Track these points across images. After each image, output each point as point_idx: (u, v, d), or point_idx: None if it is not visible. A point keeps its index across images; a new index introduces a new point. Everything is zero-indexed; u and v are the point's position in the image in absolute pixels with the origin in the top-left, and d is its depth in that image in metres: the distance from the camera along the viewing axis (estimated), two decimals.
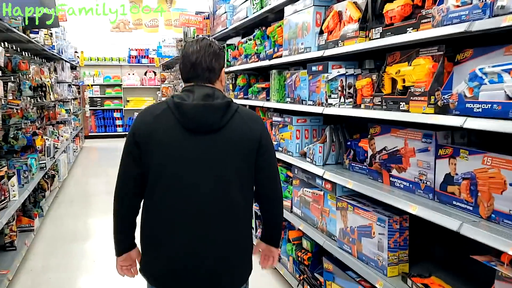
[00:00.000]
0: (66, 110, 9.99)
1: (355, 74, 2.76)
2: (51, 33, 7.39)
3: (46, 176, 6.64)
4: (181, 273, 1.80)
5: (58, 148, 7.39)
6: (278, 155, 3.77)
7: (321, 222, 3.13)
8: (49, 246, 4.85)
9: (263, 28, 4.24)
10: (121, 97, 14.78)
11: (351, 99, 2.77)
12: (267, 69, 4.98)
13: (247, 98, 4.84)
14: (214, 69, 1.87)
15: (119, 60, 14.84)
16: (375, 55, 2.79)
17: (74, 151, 10.27)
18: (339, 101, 2.76)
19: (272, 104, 3.96)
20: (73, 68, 12.79)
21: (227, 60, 5.42)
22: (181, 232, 1.79)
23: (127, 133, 1.85)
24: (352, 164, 2.90)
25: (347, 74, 2.76)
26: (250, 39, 4.63)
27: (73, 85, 12.02)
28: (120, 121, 14.85)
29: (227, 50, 5.42)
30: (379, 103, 2.36)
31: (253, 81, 4.98)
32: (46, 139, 6.70)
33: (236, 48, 5.12)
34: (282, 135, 3.71)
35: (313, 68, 3.11)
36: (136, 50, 14.96)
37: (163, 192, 1.80)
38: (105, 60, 14.75)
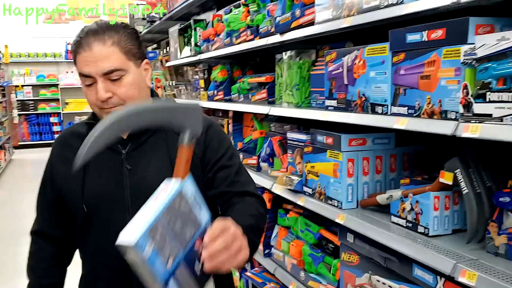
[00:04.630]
0: None
1: None
2: None
3: None
4: None
5: None
6: (306, 204, 2.10)
7: None
8: None
9: None
10: (59, 99, 12.58)
11: None
12: (257, 54, 3.29)
13: (230, 100, 3.16)
14: None
15: (55, 56, 12.66)
16: None
17: None
18: None
19: (288, 111, 2.27)
20: None
21: (196, 45, 3.70)
22: None
23: None
24: None
25: None
26: (237, 6, 2.92)
27: None
28: (58, 127, 12.65)
29: (195, 29, 3.70)
30: None
31: (237, 73, 3.29)
32: None
33: (210, 24, 3.41)
34: (313, 167, 2.05)
35: (410, 38, 1.47)
36: None
37: None
38: (37, 56, 12.49)
